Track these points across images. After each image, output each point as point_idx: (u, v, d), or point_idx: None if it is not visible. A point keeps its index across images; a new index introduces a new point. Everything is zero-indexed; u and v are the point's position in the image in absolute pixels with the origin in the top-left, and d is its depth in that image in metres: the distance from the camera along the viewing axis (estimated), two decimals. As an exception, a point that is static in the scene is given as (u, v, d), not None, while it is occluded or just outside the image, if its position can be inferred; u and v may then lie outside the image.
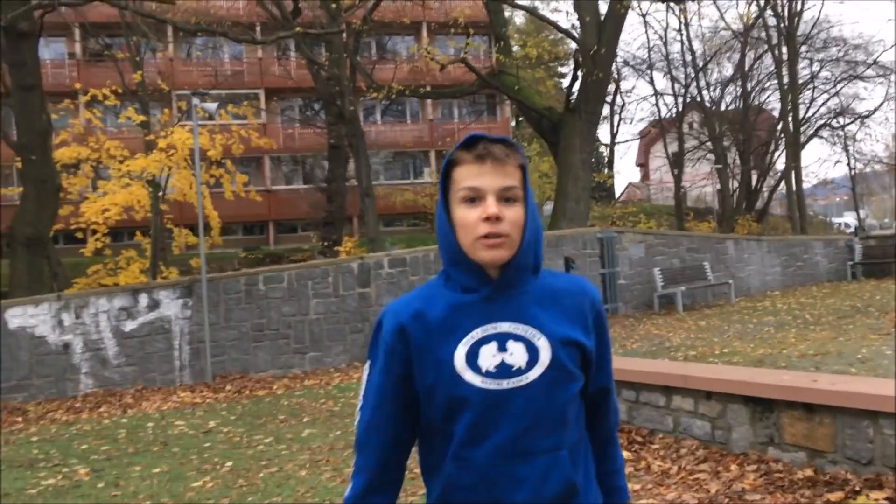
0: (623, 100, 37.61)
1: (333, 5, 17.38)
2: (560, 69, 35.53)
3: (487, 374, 1.46)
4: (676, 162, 31.57)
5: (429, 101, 32.64)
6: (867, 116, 32.62)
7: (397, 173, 35.57)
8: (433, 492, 1.54)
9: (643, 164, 52.61)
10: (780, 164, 32.28)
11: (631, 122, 60.55)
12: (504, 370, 1.46)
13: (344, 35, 19.06)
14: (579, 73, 17.97)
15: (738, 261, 17.35)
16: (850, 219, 43.54)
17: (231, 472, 6.16)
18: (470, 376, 1.45)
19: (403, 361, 1.49)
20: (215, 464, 6.48)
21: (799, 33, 28.89)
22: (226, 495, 5.49)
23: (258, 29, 26.09)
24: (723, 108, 33.25)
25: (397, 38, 31.20)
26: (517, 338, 1.48)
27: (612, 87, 31.96)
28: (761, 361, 8.43)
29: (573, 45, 20.82)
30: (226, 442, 7.42)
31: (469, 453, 1.46)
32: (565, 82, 25.61)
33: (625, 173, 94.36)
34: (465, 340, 1.47)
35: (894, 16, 66.10)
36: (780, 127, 30.84)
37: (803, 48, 29.91)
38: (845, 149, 34.17)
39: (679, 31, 31.47)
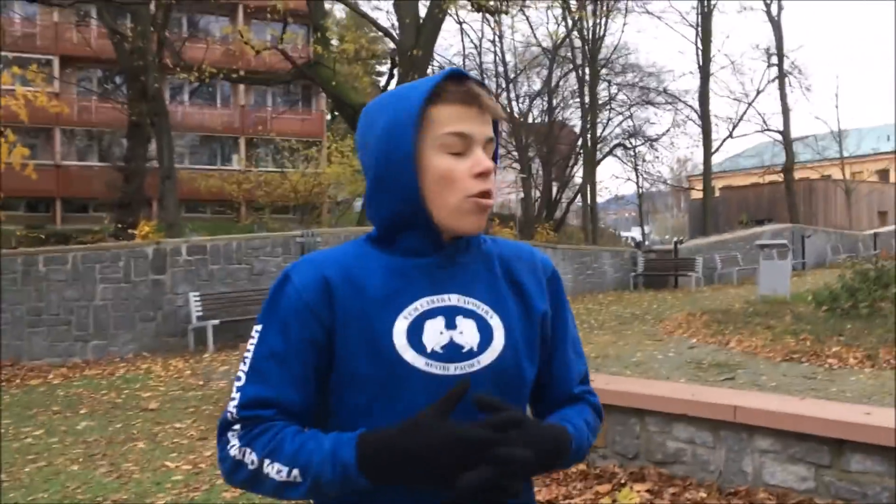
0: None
1: (142, -26, 16.40)
2: (378, 67, 35.65)
3: (433, 356, 1.18)
4: (484, 168, 32.60)
5: (241, 86, 31.63)
6: (656, 140, 35.46)
7: (204, 158, 34.17)
8: None
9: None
10: (579, 178, 34.33)
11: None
12: (453, 352, 1.19)
13: (152, 7, 18.02)
14: (396, 73, 18.13)
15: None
16: (636, 233, 47.02)
17: (-9, 468, 5.63)
18: (411, 356, 1.17)
19: (322, 326, 1.18)
20: (-27, 459, 5.90)
21: (600, 57, 30.85)
22: (-18, 493, 5.01)
23: (56, -10, 24.08)
24: (530, 120, 34.83)
25: (211, 17, 29.95)
26: (468, 313, 1.22)
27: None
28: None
29: (391, 45, 20.96)
30: (-12, 435, 6.77)
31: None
32: (382, 80, 25.75)
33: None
34: (405, 312, 1.19)
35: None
36: (579, 143, 32.75)
37: (604, 71, 31.99)
38: (635, 168, 36.87)
39: (493, 42, 32.57)
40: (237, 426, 1.19)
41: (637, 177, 37.35)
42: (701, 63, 31.06)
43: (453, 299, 1.22)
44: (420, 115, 1.19)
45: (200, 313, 11.81)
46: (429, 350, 1.18)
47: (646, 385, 5.09)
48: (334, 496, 1.16)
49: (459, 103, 1.19)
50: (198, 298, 11.89)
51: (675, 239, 28.61)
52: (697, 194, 38.06)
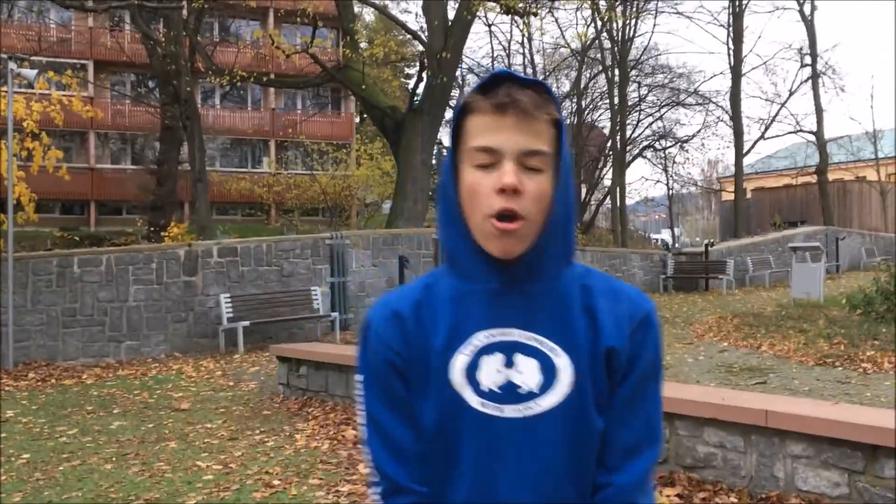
0: (466, 105, 38.34)
1: (175, -21, 16.60)
2: (406, 70, 35.77)
3: (490, 395, 1.11)
4: (513, 170, 32.53)
5: (272, 90, 31.88)
6: (686, 141, 35.12)
7: (234, 160, 34.47)
8: None
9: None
10: (608, 180, 34.12)
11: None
12: (510, 392, 1.11)
13: (184, 12, 18.24)
14: (424, 76, 18.17)
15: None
16: (666, 235, 46.66)
17: (27, 465, 5.73)
18: (468, 394, 1.11)
19: (401, 359, 1.16)
20: (10, 455, 6.01)
21: (630, 58, 30.65)
22: (19, 489, 5.10)
23: (90, -4, 24.47)
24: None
25: (242, 21, 30.25)
26: (529, 350, 1.12)
27: (456, 92, 32.58)
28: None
29: (420, 47, 21.01)
30: (24, 433, 6.89)
31: (445, 490, 1.15)
32: (411, 83, 25.82)
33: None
34: (464, 348, 1.13)
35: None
36: (609, 144, 32.57)
37: (633, 72, 31.77)
38: (665, 170, 36.58)
39: (522, 44, 32.49)
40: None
41: (667, 178, 37.07)
42: (732, 63, 30.74)
43: (515, 334, 1.13)
44: (458, 129, 1.14)
45: (231, 315, 11.93)
46: (485, 389, 1.12)
47: (676, 389, 5.05)
48: None
49: (490, 112, 1.11)
50: (228, 300, 12.01)
51: (706, 241, 28.34)
52: (728, 196, 37.65)
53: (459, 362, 1.12)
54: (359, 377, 1.21)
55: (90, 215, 30.55)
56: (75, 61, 29.25)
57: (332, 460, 5.52)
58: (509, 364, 1.12)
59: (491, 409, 1.11)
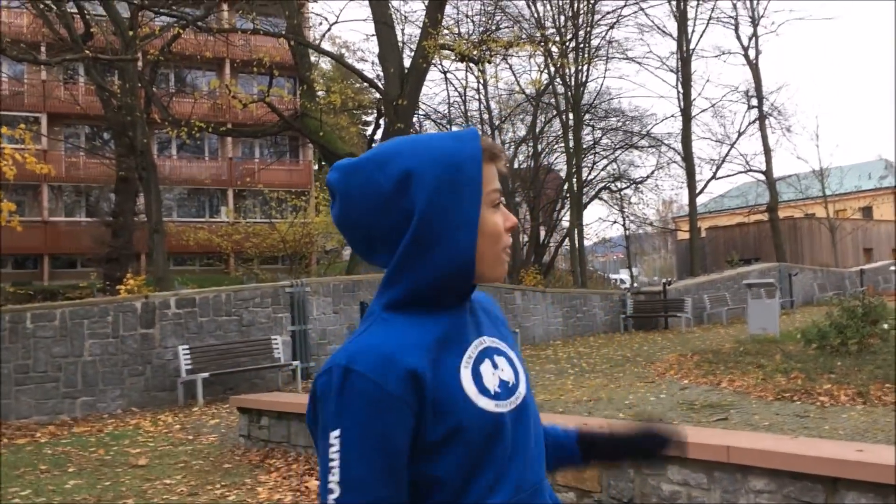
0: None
1: (130, 33, 16.61)
2: (364, 117, 36.02)
3: (496, 396, 1.23)
4: (472, 214, 32.71)
5: (229, 139, 31.86)
6: (640, 182, 35.75)
7: (192, 210, 34.22)
8: None
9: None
10: (566, 222, 34.51)
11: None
12: (504, 388, 1.25)
13: (140, 64, 18.22)
14: (382, 122, 18.33)
15: (524, 311, 18.22)
16: (625, 275, 47.16)
17: (-23, 531, 5.53)
18: (484, 403, 1.20)
19: (416, 419, 1.16)
20: (-41, 522, 5.79)
21: (583, 102, 31.28)
22: (-31, 557, 4.91)
23: (43, 49, 24.34)
24: (516, 166, 35.14)
25: (198, 72, 30.28)
26: (498, 351, 1.30)
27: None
28: (541, 407, 8.84)
29: (377, 95, 21.22)
30: (-26, 497, 6.65)
31: (487, 503, 1.19)
32: (368, 130, 25.99)
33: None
34: (464, 362, 1.23)
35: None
36: (565, 187, 33.02)
37: (587, 116, 32.40)
38: (621, 211, 37.13)
39: (477, 90, 32.97)
40: None
41: (623, 219, 37.60)
42: (682, 106, 31.54)
43: (487, 341, 1.29)
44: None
45: (190, 367, 11.73)
46: (492, 392, 1.23)
47: (638, 428, 5.07)
48: None
49: (492, 161, 1.29)
50: (187, 351, 11.82)
51: (664, 280, 28.71)
52: (684, 235, 38.32)
53: (466, 375, 1.22)
54: (336, 432, 1.13)
55: (43, 269, 29.99)
56: (28, 114, 28.98)
57: (295, 513, 5.42)
58: (495, 366, 1.26)
59: (502, 407, 1.23)
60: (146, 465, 7.60)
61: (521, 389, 1.28)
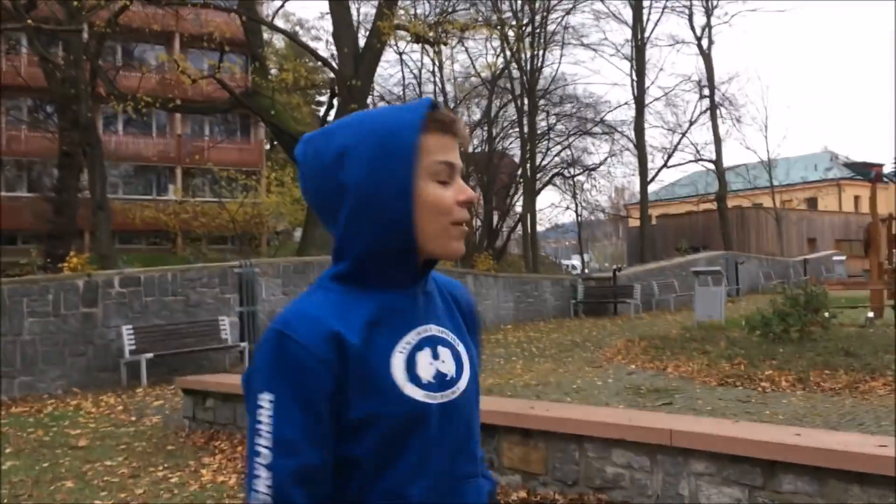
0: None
1: (75, 3, 16.10)
2: (318, 96, 35.62)
3: (428, 387, 1.21)
4: (425, 198, 32.68)
5: (178, 116, 31.21)
6: (593, 169, 36.07)
7: (139, 188, 33.51)
8: None
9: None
10: (519, 207, 34.67)
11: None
12: (440, 380, 1.23)
13: (85, 35, 17.71)
14: (335, 102, 18.13)
15: (476, 294, 18.25)
16: (576, 261, 47.63)
17: None
18: (411, 390, 1.19)
19: (337, 383, 1.15)
20: None
21: (539, 88, 31.38)
22: None
23: (-16, 17, 23.49)
24: (470, 150, 35.14)
25: (146, 45, 29.54)
26: (443, 342, 1.26)
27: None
28: (490, 391, 8.87)
29: (331, 74, 20.98)
30: None
31: (405, 490, 1.18)
32: (322, 110, 25.69)
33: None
34: (400, 347, 1.21)
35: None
36: (519, 172, 33.15)
37: (542, 102, 32.52)
38: (574, 197, 37.44)
39: (433, 72, 32.83)
40: None
41: (576, 206, 37.93)
42: (636, 94, 31.83)
43: (433, 329, 1.26)
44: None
45: (133, 347, 11.50)
46: (424, 381, 1.21)
47: (585, 411, 5.11)
48: None
49: (443, 132, 1.22)
50: (131, 331, 11.58)
51: (614, 266, 29.06)
52: (635, 222, 38.83)
53: (398, 361, 1.20)
54: (267, 395, 1.13)
55: (-18, 245, 29.08)
56: (-33, 85, 27.95)
57: (240, 495, 5.35)
58: (435, 356, 1.24)
59: (431, 398, 1.21)
60: (86, 446, 7.42)
61: (462, 385, 1.25)
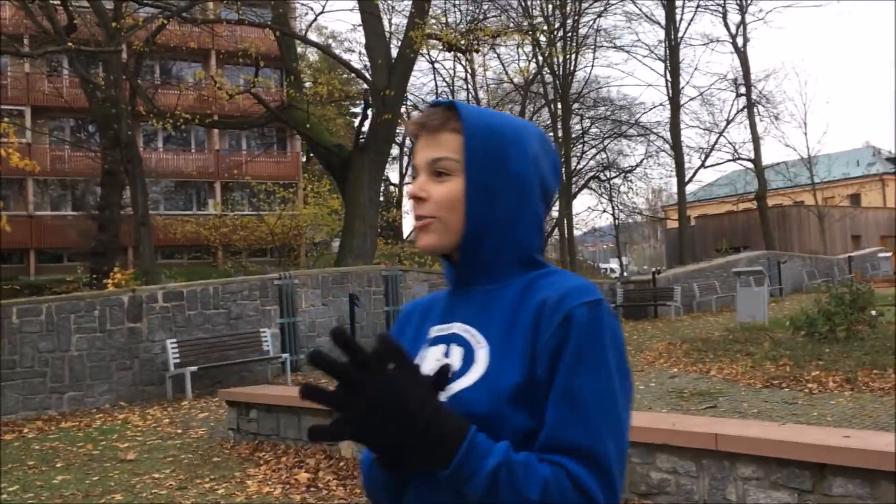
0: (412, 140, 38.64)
1: (114, 24, 16.45)
2: (351, 108, 35.89)
3: None
4: (460, 205, 32.73)
5: (215, 131, 31.66)
6: (630, 171, 35.79)
7: (179, 203, 34.03)
8: None
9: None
10: (555, 211, 34.52)
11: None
12: None
13: (124, 55, 18.08)
14: (369, 113, 18.24)
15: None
16: (615, 264, 47.24)
17: (-37, 528, 5.48)
18: None
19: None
20: (-56, 519, 5.74)
21: (572, 91, 31.25)
22: (-47, 554, 4.87)
23: (25, 41, 24.11)
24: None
25: (183, 63, 30.05)
26: (461, 341, 1.21)
27: (401, 129, 32.77)
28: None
29: (364, 86, 21.12)
30: (-40, 493, 6.59)
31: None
32: (356, 121, 25.90)
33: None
34: (426, 342, 1.26)
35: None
36: (554, 177, 32.99)
37: (576, 105, 32.38)
38: (611, 200, 37.17)
39: (465, 80, 32.90)
40: None
41: (613, 208, 37.65)
42: (671, 95, 31.54)
43: (455, 327, 1.24)
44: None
45: (178, 360, 11.67)
46: None
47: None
48: None
49: (414, 136, 1.27)
50: (175, 345, 11.76)
51: (653, 269, 28.77)
52: (673, 224, 38.40)
53: (420, 354, 1.25)
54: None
55: (29, 264, 29.78)
56: (12, 108, 28.70)
57: (284, 505, 5.40)
58: (446, 354, 1.21)
59: None
60: (135, 459, 7.55)
61: (457, 387, 1.14)
